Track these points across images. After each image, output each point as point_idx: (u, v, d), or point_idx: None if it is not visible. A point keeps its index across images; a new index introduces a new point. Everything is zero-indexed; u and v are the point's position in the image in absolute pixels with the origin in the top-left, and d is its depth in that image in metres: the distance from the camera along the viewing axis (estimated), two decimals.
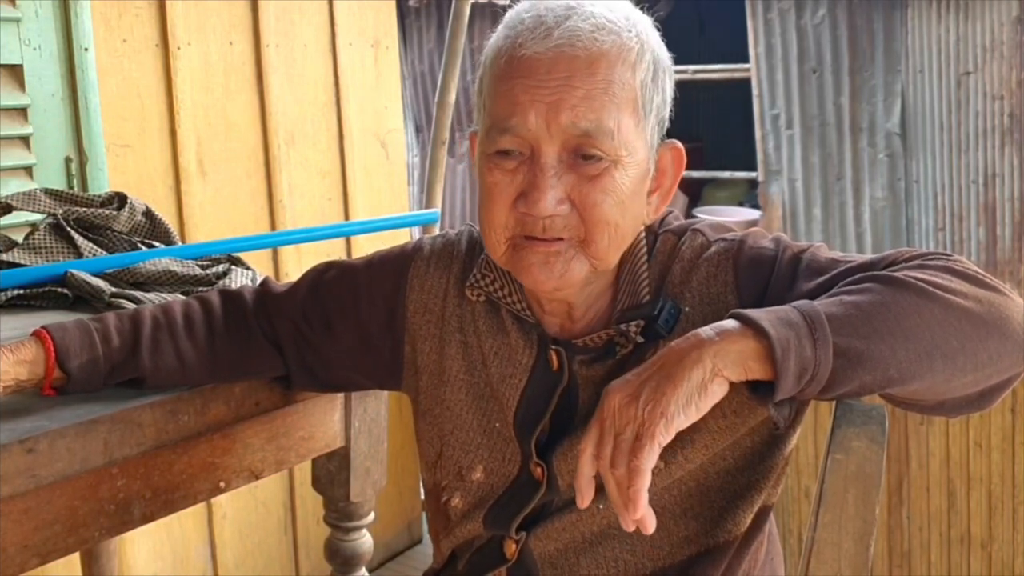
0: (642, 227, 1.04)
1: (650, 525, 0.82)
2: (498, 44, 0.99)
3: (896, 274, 0.88)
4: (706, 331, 0.84)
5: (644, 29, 0.99)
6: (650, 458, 0.80)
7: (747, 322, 0.84)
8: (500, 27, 1.00)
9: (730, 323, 0.85)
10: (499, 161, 0.97)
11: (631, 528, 0.82)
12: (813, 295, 0.91)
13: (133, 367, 1.11)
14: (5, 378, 1.03)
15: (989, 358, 0.86)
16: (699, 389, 0.82)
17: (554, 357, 1.05)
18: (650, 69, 0.98)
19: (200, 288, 1.41)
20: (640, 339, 1.00)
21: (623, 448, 0.81)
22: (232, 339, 1.17)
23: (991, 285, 0.89)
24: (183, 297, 1.24)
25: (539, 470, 1.05)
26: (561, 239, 0.97)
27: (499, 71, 0.97)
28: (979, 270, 0.90)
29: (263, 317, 1.19)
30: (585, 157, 0.95)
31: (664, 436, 0.80)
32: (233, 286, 1.33)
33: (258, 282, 1.26)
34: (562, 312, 1.06)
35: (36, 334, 1.08)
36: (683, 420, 0.81)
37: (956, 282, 0.87)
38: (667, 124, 1.03)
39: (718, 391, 0.83)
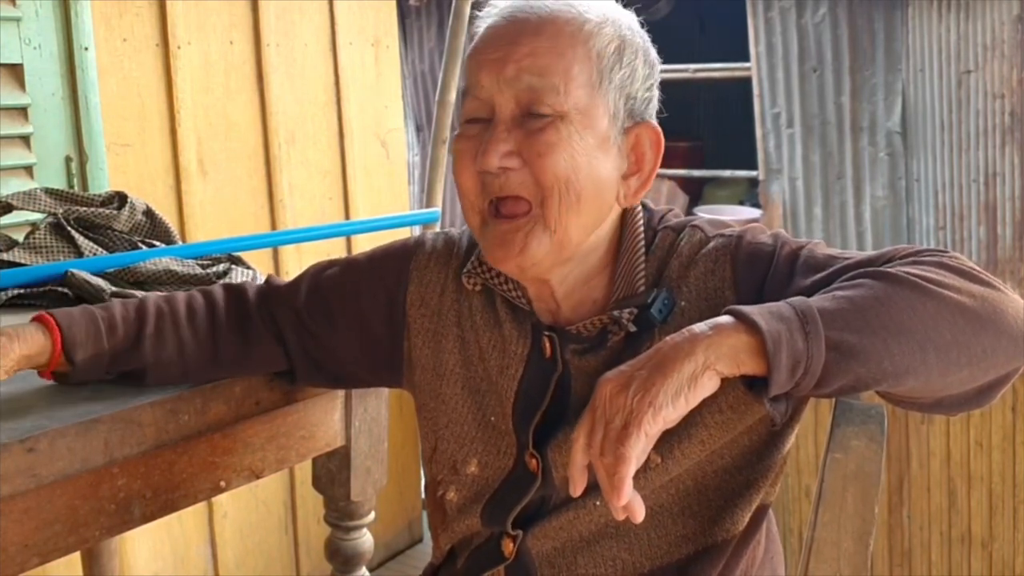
0: (616, 208, 1.04)
1: (638, 514, 0.82)
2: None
3: (890, 270, 0.88)
4: (700, 326, 0.85)
5: (613, 14, 1.03)
6: (636, 446, 0.81)
7: (740, 317, 0.84)
8: None
9: (723, 318, 0.85)
10: (465, 130, 1.03)
11: (620, 516, 0.83)
12: (810, 291, 0.92)
13: (136, 358, 1.12)
14: (7, 367, 1.03)
15: (983, 352, 0.86)
16: (689, 382, 0.82)
17: (547, 344, 1.05)
18: (612, 43, 1.01)
19: (200, 287, 1.41)
20: (633, 328, 1.01)
21: (611, 436, 0.82)
22: (234, 331, 1.18)
23: (986, 281, 0.89)
24: (182, 292, 1.24)
25: (534, 462, 1.05)
26: (518, 214, 0.99)
27: (468, 50, 1.05)
28: (974, 266, 0.91)
29: (265, 310, 1.20)
30: (532, 115, 0.98)
31: (651, 426, 0.81)
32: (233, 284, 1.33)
33: (260, 279, 1.27)
34: (546, 296, 1.06)
35: (44, 322, 1.08)
36: (671, 412, 0.82)
37: (950, 277, 0.87)
38: (649, 109, 1.04)
39: (708, 385, 0.83)
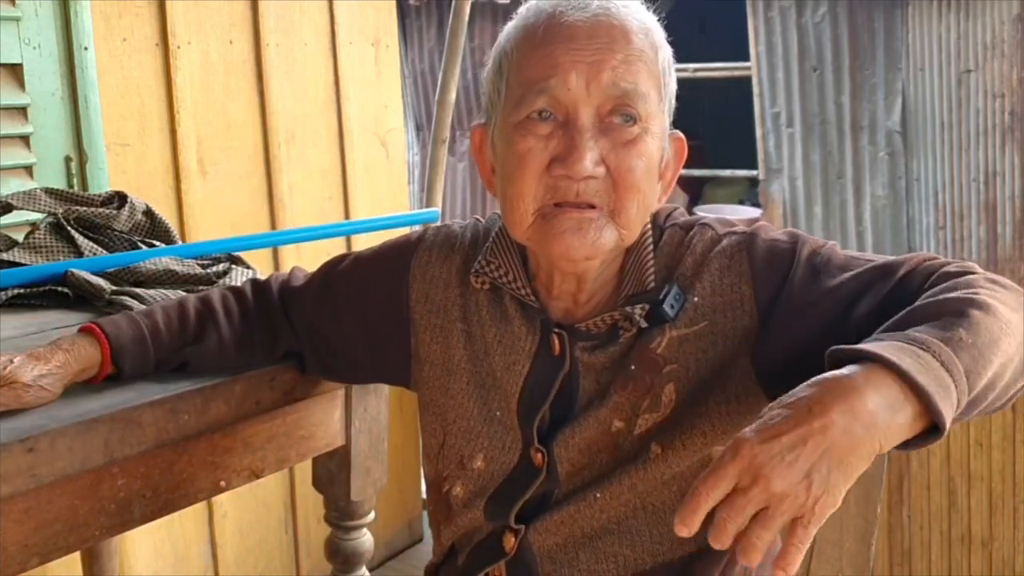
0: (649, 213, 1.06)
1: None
2: (528, 21, 1.01)
3: (995, 304, 0.87)
4: (879, 410, 0.78)
5: (658, 26, 1.04)
6: (809, 540, 0.77)
7: (912, 387, 0.79)
8: (525, 10, 1.03)
9: (896, 396, 0.79)
10: (532, 127, 0.98)
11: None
12: (836, 292, 0.95)
13: (179, 358, 1.18)
14: (67, 384, 1.08)
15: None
16: (861, 470, 0.79)
17: (556, 341, 1.05)
18: (666, 56, 1.03)
19: (200, 287, 1.41)
20: (644, 324, 1.01)
21: (774, 526, 0.76)
22: (263, 327, 1.24)
23: (1013, 288, 0.92)
24: (216, 289, 1.28)
25: (539, 456, 1.05)
26: (593, 207, 0.98)
27: (536, 40, 0.99)
28: (1007, 281, 0.93)
29: (283, 307, 1.25)
30: (621, 118, 0.97)
31: (825, 519, 0.77)
32: (235, 284, 1.33)
33: (287, 272, 1.31)
34: (568, 295, 1.07)
35: (91, 333, 1.12)
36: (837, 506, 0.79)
37: (1012, 299, 0.90)
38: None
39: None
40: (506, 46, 1.03)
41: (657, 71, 1.00)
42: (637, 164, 0.97)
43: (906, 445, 0.81)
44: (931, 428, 0.80)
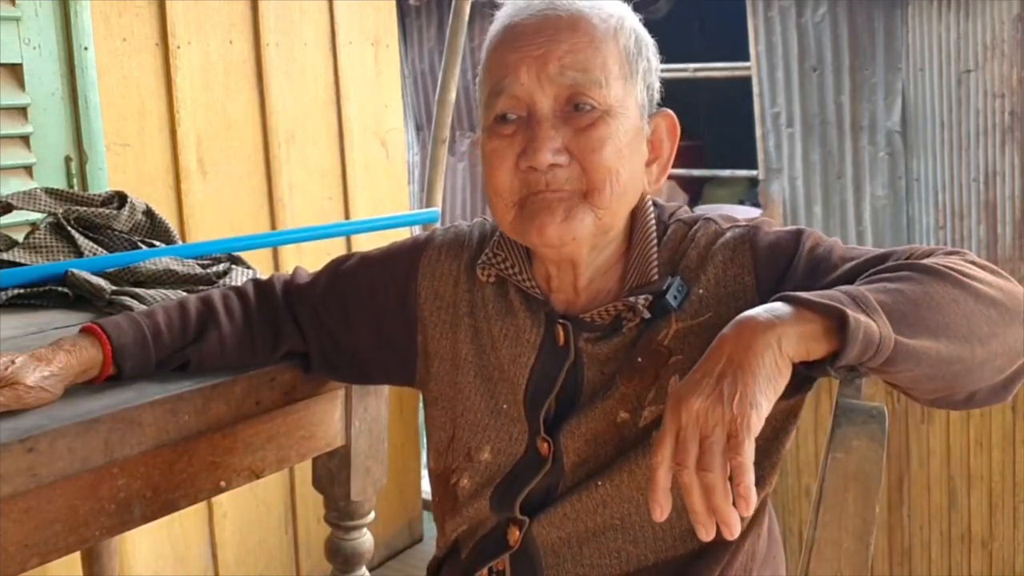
0: (644, 195, 1.08)
1: (736, 528, 0.80)
2: (492, 30, 1.07)
3: (930, 263, 0.90)
4: (760, 315, 0.85)
5: (622, 10, 1.06)
6: (751, 451, 0.79)
7: (801, 303, 0.85)
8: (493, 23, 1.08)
9: (780, 306, 0.85)
10: (498, 129, 1.03)
11: (709, 537, 0.81)
12: (836, 282, 0.95)
13: (180, 358, 1.18)
14: (67, 384, 1.07)
15: (1015, 342, 0.89)
16: (773, 372, 0.82)
17: (560, 332, 1.07)
18: (631, 37, 1.04)
19: (201, 287, 1.41)
20: (647, 314, 1.03)
21: (715, 450, 0.79)
22: (266, 327, 1.23)
23: (1005, 276, 0.93)
24: (218, 289, 1.28)
25: (546, 446, 1.07)
26: (565, 191, 1.00)
27: (492, 47, 1.05)
28: (988, 263, 0.94)
29: (289, 306, 1.25)
30: (577, 108, 1.00)
31: (757, 426, 0.79)
32: (236, 283, 1.33)
33: (290, 272, 1.31)
34: (568, 285, 1.08)
35: (93, 334, 1.12)
36: (766, 407, 0.81)
37: (979, 272, 0.91)
38: (657, 98, 1.08)
39: (786, 373, 0.83)
40: (481, 62, 1.08)
41: (617, 51, 1.02)
42: (600, 146, 0.99)
43: (835, 361, 0.83)
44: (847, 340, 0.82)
